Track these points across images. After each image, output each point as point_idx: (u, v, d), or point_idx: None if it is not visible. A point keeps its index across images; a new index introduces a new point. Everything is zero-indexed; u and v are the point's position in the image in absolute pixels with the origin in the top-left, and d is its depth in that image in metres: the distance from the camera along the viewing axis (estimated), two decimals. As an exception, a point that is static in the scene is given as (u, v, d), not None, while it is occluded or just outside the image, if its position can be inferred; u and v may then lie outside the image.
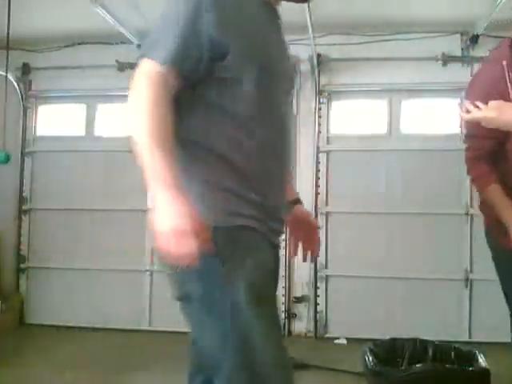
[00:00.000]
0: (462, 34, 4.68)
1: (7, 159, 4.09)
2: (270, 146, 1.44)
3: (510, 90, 1.96)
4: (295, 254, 1.84)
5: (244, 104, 1.38)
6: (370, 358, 2.93)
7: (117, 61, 5.01)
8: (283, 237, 1.63)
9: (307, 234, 1.78)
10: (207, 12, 1.34)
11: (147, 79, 1.35)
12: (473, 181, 2.33)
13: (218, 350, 1.35)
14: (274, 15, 1.53)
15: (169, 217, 1.21)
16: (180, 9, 1.42)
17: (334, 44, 4.75)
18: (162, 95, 1.33)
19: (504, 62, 1.98)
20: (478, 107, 1.84)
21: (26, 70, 5.17)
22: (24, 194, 5.20)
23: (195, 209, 1.23)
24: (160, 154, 1.28)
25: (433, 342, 3.22)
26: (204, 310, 1.35)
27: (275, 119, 1.47)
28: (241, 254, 1.34)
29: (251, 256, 1.35)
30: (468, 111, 1.87)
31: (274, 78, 1.45)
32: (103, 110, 5.22)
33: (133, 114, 1.40)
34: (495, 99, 1.87)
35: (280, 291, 4.85)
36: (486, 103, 1.84)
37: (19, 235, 5.16)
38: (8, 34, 3.82)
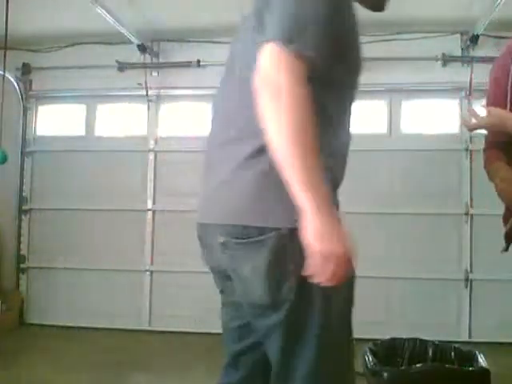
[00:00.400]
0: (462, 34, 4.68)
1: (5, 159, 4.08)
2: (346, 148, 1.43)
3: (510, 79, 1.97)
4: None
5: (340, 104, 1.36)
6: (370, 358, 2.93)
7: (117, 61, 5.02)
8: None
9: None
10: (347, 6, 1.26)
11: (293, 75, 1.14)
12: (485, 169, 2.24)
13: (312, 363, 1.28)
14: None
15: (338, 240, 1.18)
16: None
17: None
18: (308, 94, 1.15)
19: None
20: (477, 115, 1.86)
21: (26, 69, 5.17)
22: (24, 194, 5.20)
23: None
24: (316, 167, 1.14)
25: (433, 342, 3.22)
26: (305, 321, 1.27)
27: (348, 120, 1.46)
28: None
29: None
30: (476, 116, 1.88)
31: (357, 79, 1.41)
32: (103, 110, 5.22)
33: (278, 117, 1.14)
34: (500, 85, 1.89)
35: (280, 291, 4.85)
36: (494, 89, 1.87)
37: (19, 235, 5.16)
38: (6, 33, 3.82)
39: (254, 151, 1.24)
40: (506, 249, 2.22)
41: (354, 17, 1.32)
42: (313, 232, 1.14)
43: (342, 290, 1.31)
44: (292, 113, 1.12)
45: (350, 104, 1.46)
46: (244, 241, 1.25)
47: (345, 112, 1.42)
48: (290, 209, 1.17)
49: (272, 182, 1.20)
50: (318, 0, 1.20)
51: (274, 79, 1.14)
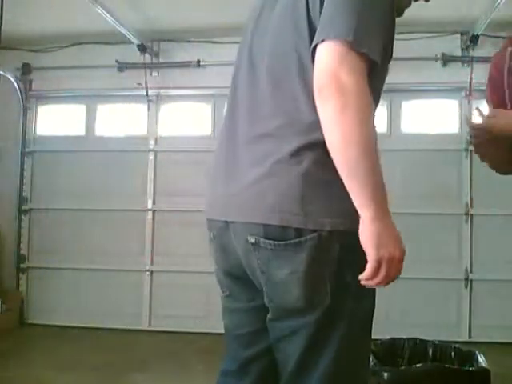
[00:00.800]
0: (461, 34, 4.68)
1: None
2: None
3: (505, 78, 1.96)
4: None
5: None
6: (370, 358, 2.93)
7: (117, 61, 5.02)
8: None
9: None
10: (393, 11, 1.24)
11: (357, 76, 1.12)
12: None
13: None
14: None
15: (395, 245, 1.18)
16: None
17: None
18: (371, 96, 1.17)
19: (509, 49, 1.97)
20: (482, 114, 1.85)
21: (25, 70, 5.17)
22: (24, 194, 5.20)
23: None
24: (381, 178, 1.19)
25: (433, 342, 3.22)
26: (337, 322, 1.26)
27: None
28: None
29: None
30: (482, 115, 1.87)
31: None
32: (103, 110, 5.22)
33: (350, 126, 1.12)
34: (496, 85, 1.89)
35: (280, 291, 4.85)
36: (491, 87, 1.87)
37: (19, 235, 5.16)
38: None
39: (300, 148, 1.20)
40: None
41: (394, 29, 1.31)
42: (371, 234, 1.14)
43: (371, 293, 1.33)
44: (365, 122, 1.12)
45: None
46: (282, 242, 1.20)
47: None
48: (331, 210, 1.18)
49: (315, 183, 1.19)
50: (385, 8, 1.20)
51: (345, 82, 1.10)
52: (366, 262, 1.18)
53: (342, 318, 1.25)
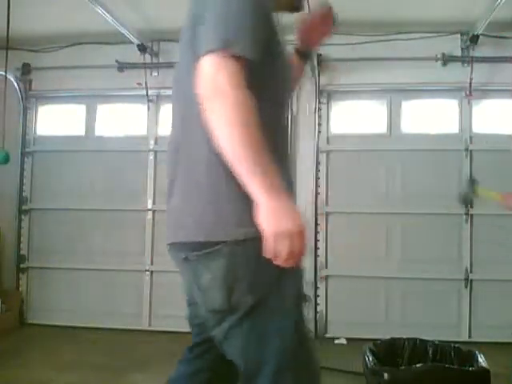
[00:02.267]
0: (461, 34, 4.68)
1: (7, 159, 4.09)
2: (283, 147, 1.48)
3: None
4: None
5: (273, 107, 1.38)
6: (370, 358, 2.93)
7: (117, 61, 5.02)
8: None
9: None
10: (269, 14, 1.34)
11: (232, 78, 1.21)
12: None
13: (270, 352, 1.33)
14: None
15: (289, 218, 1.22)
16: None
17: (334, 44, 4.75)
18: (249, 94, 1.22)
19: None
20: None
21: (25, 70, 5.17)
22: (24, 194, 5.20)
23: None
24: (264, 160, 1.22)
25: (433, 341, 3.22)
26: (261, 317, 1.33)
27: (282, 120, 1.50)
28: None
29: None
30: None
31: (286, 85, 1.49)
32: (103, 110, 5.22)
33: (223, 122, 1.21)
34: None
35: (280, 291, 4.85)
36: None
37: (19, 235, 5.16)
38: (8, 33, 3.82)
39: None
40: None
41: (274, 25, 1.39)
42: (265, 214, 1.21)
43: (292, 280, 1.36)
44: (236, 112, 1.19)
45: (282, 111, 1.50)
46: (201, 253, 1.33)
47: (278, 115, 1.44)
48: (242, 221, 1.28)
49: (224, 198, 1.30)
50: (247, 8, 1.27)
51: (223, 87, 1.20)
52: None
53: (270, 311, 1.32)
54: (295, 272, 1.33)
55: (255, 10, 1.27)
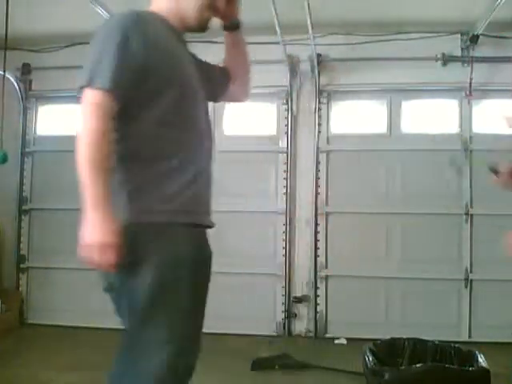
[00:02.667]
0: (461, 34, 4.68)
1: (5, 159, 4.08)
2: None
3: None
4: None
5: (169, 123, 1.58)
6: (370, 358, 2.94)
7: (117, 61, 5.01)
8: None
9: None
10: (133, 38, 1.50)
11: (91, 109, 1.49)
12: None
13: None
14: (181, 39, 1.72)
15: (94, 233, 1.46)
16: (110, 38, 1.52)
17: (334, 44, 4.76)
18: (107, 123, 1.47)
19: None
20: None
21: (25, 69, 5.17)
22: (24, 194, 5.20)
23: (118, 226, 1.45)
24: (99, 179, 1.48)
25: (433, 341, 3.22)
26: (122, 298, 1.64)
27: (192, 126, 1.68)
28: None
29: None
30: None
31: (191, 92, 1.65)
32: (103, 109, 5.22)
33: (81, 143, 1.54)
34: None
35: (280, 291, 4.85)
36: None
37: (19, 235, 5.16)
38: (6, 33, 3.82)
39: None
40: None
41: (167, 41, 1.61)
42: (84, 227, 1.48)
43: (147, 271, 1.53)
44: (89, 145, 1.51)
45: (195, 114, 1.70)
46: None
47: (187, 121, 1.65)
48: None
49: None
50: (107, 42, 1.50)
51: (83, 113, 1.51)
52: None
53: (134, 297, 1.56)
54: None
55: (117, 50, 1.47)
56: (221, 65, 1.96)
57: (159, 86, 1.54)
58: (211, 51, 5.15)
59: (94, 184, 1.48)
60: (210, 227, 1.82)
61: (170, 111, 1.57)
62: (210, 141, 1.80)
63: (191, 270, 1.61)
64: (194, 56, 1.79)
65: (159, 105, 1.55)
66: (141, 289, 1.53)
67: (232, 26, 1.95)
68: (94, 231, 1.45)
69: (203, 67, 1.82)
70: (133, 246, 1.50)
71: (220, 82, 1.94)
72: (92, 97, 1.48)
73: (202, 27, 1.75)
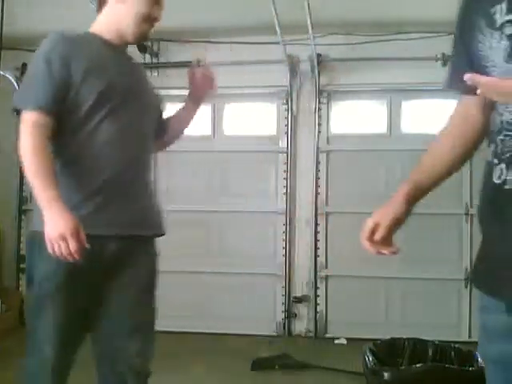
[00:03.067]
0: (462, 34, 4.67)
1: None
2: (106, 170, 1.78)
3: None
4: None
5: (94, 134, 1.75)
6: (370, 358, 2.94)
7: (117, 61, 5.01)
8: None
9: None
10: (55, 59, 1.73)
11: (27, 128, 1.70)
12: None
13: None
14: (119, 53, 1.88)
15: (52, 225, 1.59)
16: (37, 62, 1.77)
17: (334, 44, 4.76)
18: (41, 139, 1.69)
19: None
20: None
21: (25, 69, 5.15)
22: (24, 194, 5.20)
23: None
24: (44, 184, 1.64)
25: (433, 342, 3.22)
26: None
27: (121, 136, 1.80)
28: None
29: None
30: None
31: (118, 102, 1.78)
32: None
33: (24, 159, 1.72)
34: None
35: (280, 291, 4.85)
36: None
37: (19, 235, 5.15)
38: (1, 33, 3.81)
39: None
40: None
41: (93, 56, 1.79)
42: (46, 226, 1.61)
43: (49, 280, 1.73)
44: (26, 153, 1.71)
45: (125, 124, 1.81)
46: None
47: (109, 132, 1.77)
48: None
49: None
50: (34, 66, 1.79)
51: (22, 137, 1.73)
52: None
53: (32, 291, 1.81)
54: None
55: (42, 73, 1.71)
56: (166, 115, 2.18)
57: (77, 98, 1.73)
58: (211, 51, 5.19)
59: (42, 189, 1.64)
60: (128, 237, 1.79)
61: (81, 122, 1.75)
62: (141, 151, 1.87)
63: (63, 283, 1.71)
64: (138, 72, 2.03)
65: (73, 116, 1.74)
66: (29, 296, 1.83)
67: (198, 100, 2.24)
68: (55, 225, 1.59)
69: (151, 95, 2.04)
70: (29, 254, 1.80)
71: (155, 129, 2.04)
72: (27, 118, 1.71)
73: (140, 40, 1.93)
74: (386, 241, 1.40)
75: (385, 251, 1.40)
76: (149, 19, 1.85)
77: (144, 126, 1.88)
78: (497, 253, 1.13)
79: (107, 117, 1.76)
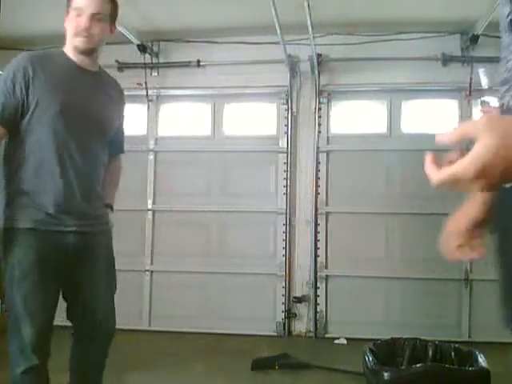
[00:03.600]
0: (461, 34, 4.68)
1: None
2: (48, 165, 2.01)
3: None
4: None
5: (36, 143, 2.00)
6: (370, 358, 2.94)
7: (117, 61, 5.01)
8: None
9: None
10: (16, 77, 1.95)
11: None
12: None
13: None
14: (79, 69, 2.10)
15: None
16: (4, 74, 1.98)
17: (334, 44, 4.76)
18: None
19: None
20: None
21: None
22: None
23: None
24: None
25: (433, 342, 3.22)
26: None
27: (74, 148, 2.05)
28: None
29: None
30: None
31: (70, 118, 2.02)
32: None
33: None
34: None
35: (280, 291, 4.85)
36: None
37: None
38: None
39: None
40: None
41: (53, 74, 2.03)
42: None
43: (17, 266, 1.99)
44: None
45: (78, 139, 2.07)
46: None
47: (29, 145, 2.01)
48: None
49: None
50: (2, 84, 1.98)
51: None
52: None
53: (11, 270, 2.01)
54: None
55: (4, 88, 1.95)
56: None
57: (30, 115, 1.98)
58: (211, 51, 5.18)
59: None
60: (65, 232, 2.06)
61: (27, 129, 1.99)
62: (81, 158, 2.08)
63: (32, 264, 1.98)
64: (103, 88, 2.27)
65: (21, 127, 1.98)
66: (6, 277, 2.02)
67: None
68: None
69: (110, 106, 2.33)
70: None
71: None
72: None
73: (79, 53, 2.09)
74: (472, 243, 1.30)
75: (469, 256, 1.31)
76: (77, 33, 2.04)
77: (91, 140, 2.14)
78: None
79: (50, 130, 2.00)
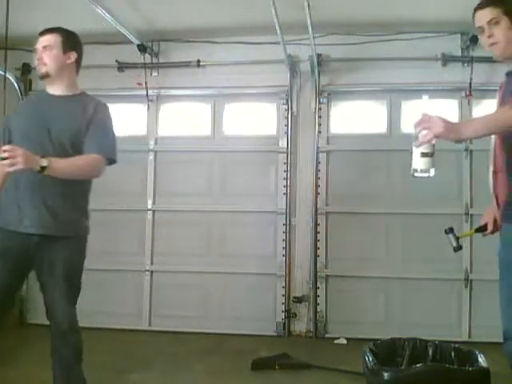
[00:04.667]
0: (461, 34, 4.68)
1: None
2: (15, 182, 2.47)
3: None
4: None
5: None
6: (370, 358, 2.93)
7: (117, 61, 5.02)
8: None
9: None
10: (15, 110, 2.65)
11: None
12: None
13: None
14: (57, 99, 2.59)
15: None
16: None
17: (334, 44, 4.76)
18: None
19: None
20: None
21: (25, 70, 5.17)
22: None
23: None
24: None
25: (433, 342, 3.22)
26: None
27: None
28: None
29: None
30: None
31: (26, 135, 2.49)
32: (103, 109, 5.21)
33: None
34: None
35: (280, 291, 4.85)
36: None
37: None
38: (6, 33, 3.81)
39: None
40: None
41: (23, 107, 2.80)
42: None
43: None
44: None
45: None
46: None
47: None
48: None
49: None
50: None
51: None
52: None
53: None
54: None
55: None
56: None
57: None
58: (211, 51, 5.18)
59: None
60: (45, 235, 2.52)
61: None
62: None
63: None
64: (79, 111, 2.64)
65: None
66: None
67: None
68: None
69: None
70: None
71: None
72: None
73: (41, 79, 2.58)
74: None
75: None
76: (37, 65, 2.58)
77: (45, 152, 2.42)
78: None
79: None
